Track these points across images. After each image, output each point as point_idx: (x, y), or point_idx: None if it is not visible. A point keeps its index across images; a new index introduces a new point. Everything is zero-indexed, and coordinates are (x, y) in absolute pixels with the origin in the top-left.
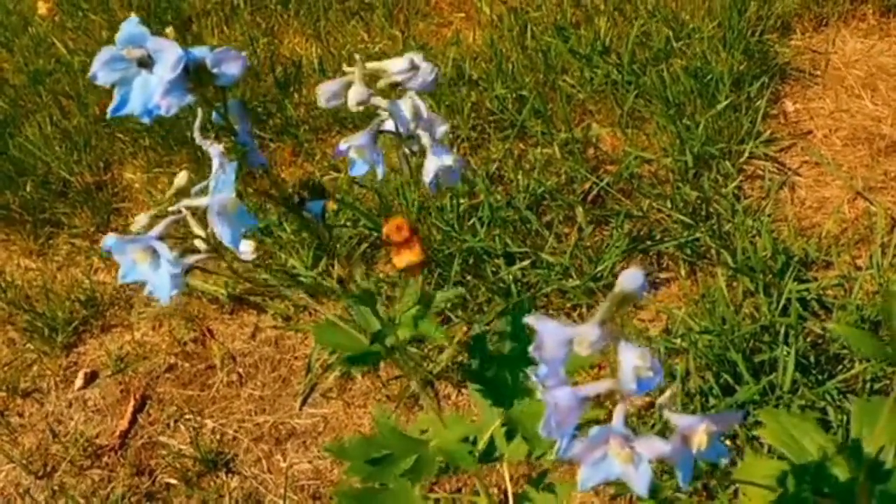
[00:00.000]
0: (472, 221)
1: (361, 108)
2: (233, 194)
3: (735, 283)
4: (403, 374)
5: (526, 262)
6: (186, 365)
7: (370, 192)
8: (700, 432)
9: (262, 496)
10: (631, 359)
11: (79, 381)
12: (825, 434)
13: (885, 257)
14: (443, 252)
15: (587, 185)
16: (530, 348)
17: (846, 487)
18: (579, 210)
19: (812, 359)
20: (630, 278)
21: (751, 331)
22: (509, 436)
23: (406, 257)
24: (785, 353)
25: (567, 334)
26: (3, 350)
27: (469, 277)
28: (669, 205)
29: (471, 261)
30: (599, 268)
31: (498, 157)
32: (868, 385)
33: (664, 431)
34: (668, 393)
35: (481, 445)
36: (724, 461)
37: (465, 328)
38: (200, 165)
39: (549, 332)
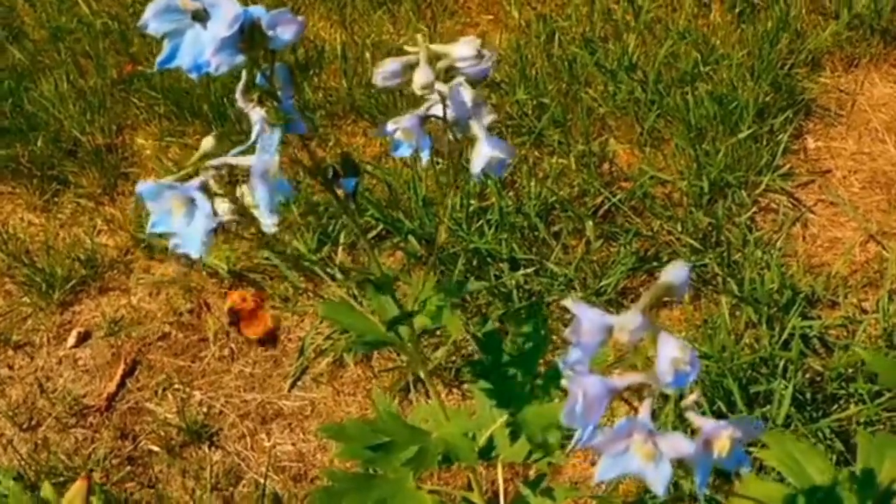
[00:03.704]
0: (480, 223)
1: (426, 90)
2: (276, 158)
3: (738, 313)
4: (411, 363)
5: (530, 270)
6: (180, 335)
7: (380, 182)
8: (724, 437)
9: (242, 473)
10: (670, 350)
11: (71, 340)
12: (829, 463)
13: (892, 303)
14: (448, 250)
15: (599, 200)
16: (566, 332)
17: None
18: (589, 223)
19: (808, 395)
20: (675, 271)
21: (749, 361)
22: (514, 436)
23: (255, 329)
24: (782, 386)
25: (607, 321)
26: None
27: (471, 278)
28: (680, 228)
29: (475, 262)
30: (604, 283)
31: (512, 163)
32: (863, 427)
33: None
34: (693, 395)
35: (481, 442)
36: (743, 470)
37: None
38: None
39: (588, 318)
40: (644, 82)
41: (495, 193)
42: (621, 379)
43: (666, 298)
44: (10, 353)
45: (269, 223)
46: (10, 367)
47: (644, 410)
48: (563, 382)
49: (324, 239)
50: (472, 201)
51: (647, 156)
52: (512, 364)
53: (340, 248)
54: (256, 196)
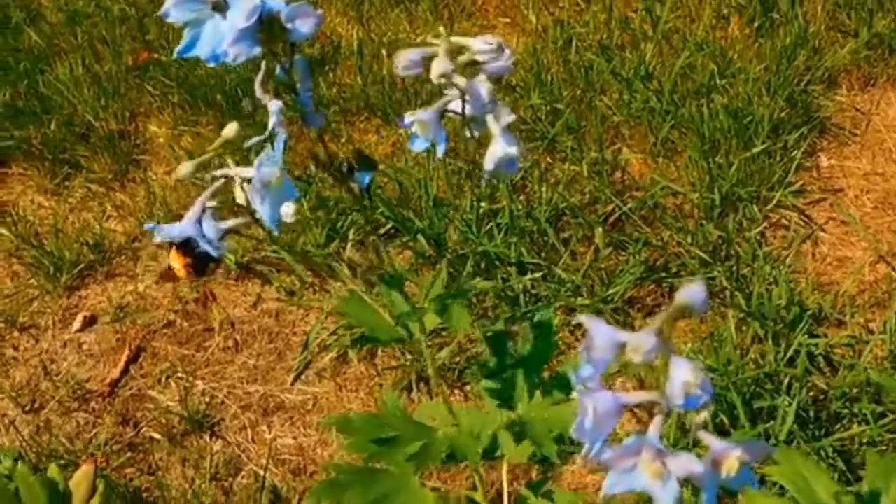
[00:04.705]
0: (489, 226)
1: (443, 80)
2: (277, 171)
3: (745, 328)
4: (425, 360)
5: (538, 274)
6: (185, 324)
7: (391, 181)
8: (732, 458)
9: (242, 464)
10: (682, 374)
11: (77, 324)
12: (836, 483)
13: None
14: (456, 252)
15: (610, 208)
16: (580, 347)
17: None
18: (598, 231)
19: (811, 413)
20: (692, 292)
21: (754, 376)
22: (518, 437)
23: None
24: (786, 403)
25: (620, 339)
26: (7, 282)
27: (479, 280)
28: (690, 240)
29: (483, 264)
30: (611, 291)
31: (524, 167)
32: (864, 448)
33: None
34: (703, 414)
35: (485, 441)
36: (752, 490)
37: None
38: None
39: (602, 334)
40: (660, 92)
41: (506, 197)
42: (633, 396)
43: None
44: (16, 334)
45: (283, 215)
46: (15, 349)
47: (654, 428)
48: (575, 396)
49: (332, 234)
50: (483, 204)
51: (659, 166)
52: (518, 366)
53: (349, 245)
54: (258, 209)
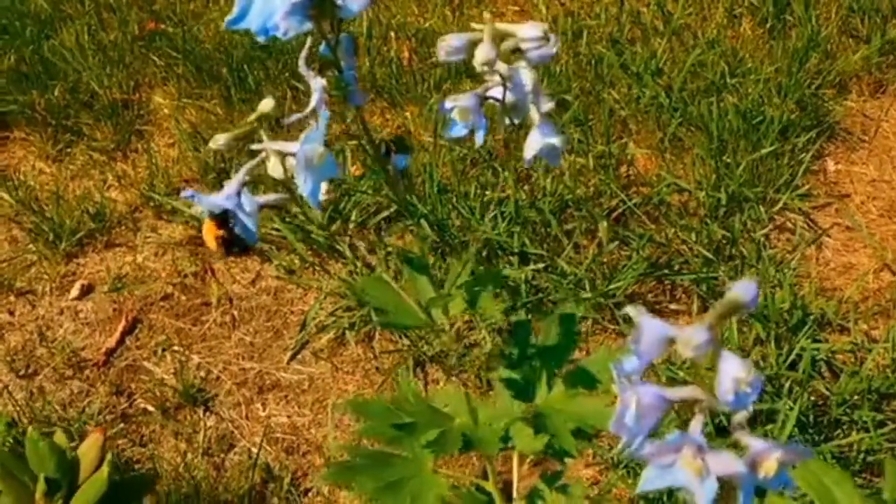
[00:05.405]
0: (493, 214)
1: (486, 67)
2: (321, 147)
3: (746, 329)
4: (445, 348)
5: (540, 265)
6: (183, 297)
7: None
8: (772, 459)
9: (235, 440)
10: (733, 370)
11: (74, 291)
12: (857, 490)
13: None
14: (459, 238)
15: (615, 202)
16: (628, 339)
17: None
18: (603, 224)
19: (811, 418)
20: (744, 289)
21: None
22: (537, 430)
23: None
24: (787, 406)
25: (670, 333)
26: (5, 247)
27: (480, 269)
28: (694, 238)
29: (485, 252)
30: (612, 286)
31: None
32: (863, 456)
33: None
34: (743, 412)
35: (501, 431)
36: (787, 493)
37: (465, 317)
38: (230, 105)
39: (651, 327)
40: (669, 89)
41: (511, 186)
42: (676, 391)
43: (675, 309)
44: (12, 299)
45: (314, 206)
46: (11, 314)
47: (695, 425)
48: (615, 388)
49: (334, 216)
50: (487, 192)
51: (666, 162)
52: (538, 358)
53: (351, 226)
54: (300, 183)
